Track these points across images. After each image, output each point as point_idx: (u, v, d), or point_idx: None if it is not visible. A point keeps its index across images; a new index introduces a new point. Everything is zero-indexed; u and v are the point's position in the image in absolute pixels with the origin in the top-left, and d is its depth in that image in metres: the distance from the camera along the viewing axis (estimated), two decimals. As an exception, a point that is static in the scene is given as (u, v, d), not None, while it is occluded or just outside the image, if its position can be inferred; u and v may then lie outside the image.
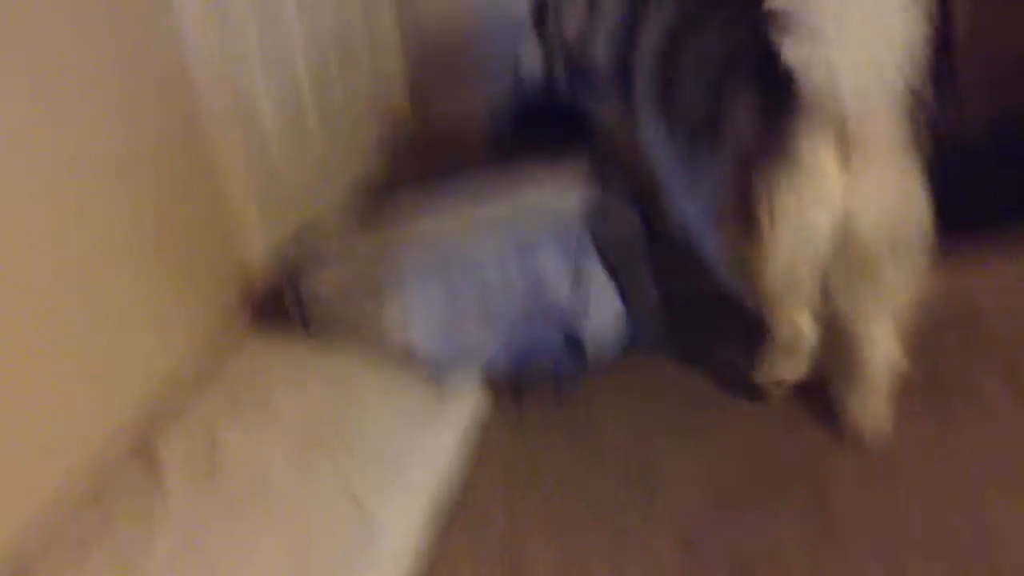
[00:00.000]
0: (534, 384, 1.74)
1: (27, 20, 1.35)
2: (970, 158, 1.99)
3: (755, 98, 1.42)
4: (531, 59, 2.18)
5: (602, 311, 1.75)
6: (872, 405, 1.52)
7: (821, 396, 1.61)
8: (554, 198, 1.84)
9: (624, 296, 1.76)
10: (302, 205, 2.11)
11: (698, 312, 1.86)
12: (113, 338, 1.54)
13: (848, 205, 1.35)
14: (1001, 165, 2.16)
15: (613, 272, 1.74)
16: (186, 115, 1.73)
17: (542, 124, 2.43)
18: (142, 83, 1.60)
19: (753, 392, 1.64)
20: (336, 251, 1.89)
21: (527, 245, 1.73)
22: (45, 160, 1.39)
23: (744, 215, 1.41)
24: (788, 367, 1.60)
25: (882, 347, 1.47)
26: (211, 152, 1.79)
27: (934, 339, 1.58)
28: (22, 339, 1.35)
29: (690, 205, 1.63)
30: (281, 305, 1.84)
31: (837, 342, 1.51)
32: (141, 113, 1.60)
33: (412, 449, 1.57)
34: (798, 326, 1.53)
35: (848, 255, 1.39)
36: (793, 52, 1.29)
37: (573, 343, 1.72)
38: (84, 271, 1.47)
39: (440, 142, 2.48)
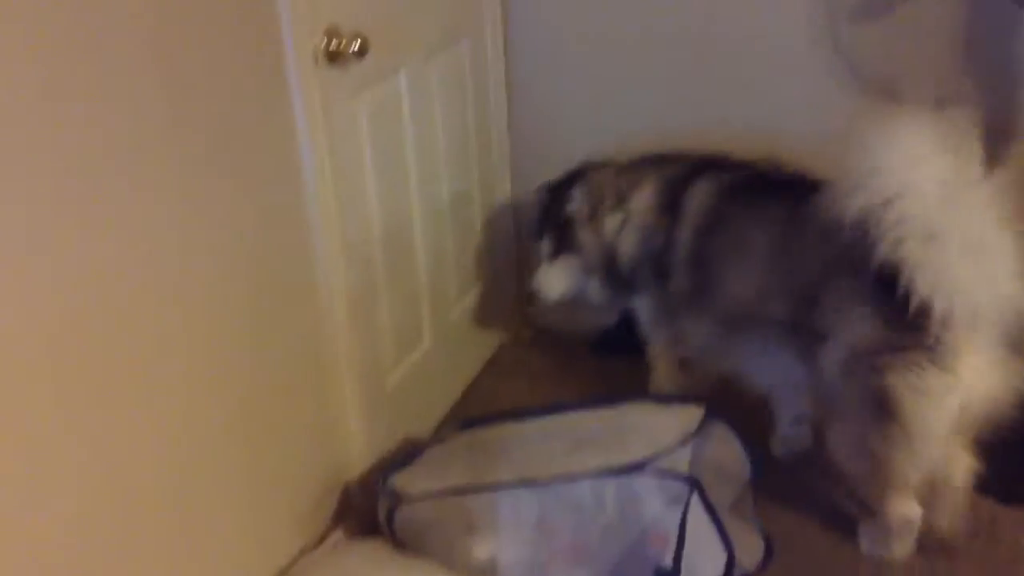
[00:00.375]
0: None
1: (168, 243, 1.45)
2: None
3: (873, 311, 1.65)
4: (552, 279, 2.22)
5: (704, 558, 1.67)
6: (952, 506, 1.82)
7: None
8: (657, 428, 1.81)
9: (726, 539, 1.68)
10: (407, 415, 2.14)
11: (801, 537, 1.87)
12: (201, 537, 1.55)
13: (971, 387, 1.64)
14: None
15: (714, 511, 1.68)
16: (309, 322, 1.80)
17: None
18: (271, 287, 1.68)
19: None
20: (432, 465, 1.89)
21: (625, 475, 1.69)
22: (185, 365, 1.48)
23: (876, 409, 1.67)
24: (898, 547, 1.85)
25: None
26: (326, 356, 1.85)
27: None
28: (112, 531, 1.37)
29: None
30: (374, 515, 1.82)
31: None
32: (267, 319, 1.67)
33: None
34: (911, 509, 1.80)
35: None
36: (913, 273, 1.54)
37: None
38: (176, 469, 1.49)
39: (546, 351, 2.49)
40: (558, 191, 2.17)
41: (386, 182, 1.97)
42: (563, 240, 2.16)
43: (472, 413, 2.29)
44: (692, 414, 1.81)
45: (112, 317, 1.33)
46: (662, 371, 2.15)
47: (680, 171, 2.04)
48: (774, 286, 1.82)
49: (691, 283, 1.98)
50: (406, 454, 1.93)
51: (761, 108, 2.29)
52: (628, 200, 2.08)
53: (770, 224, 1.85)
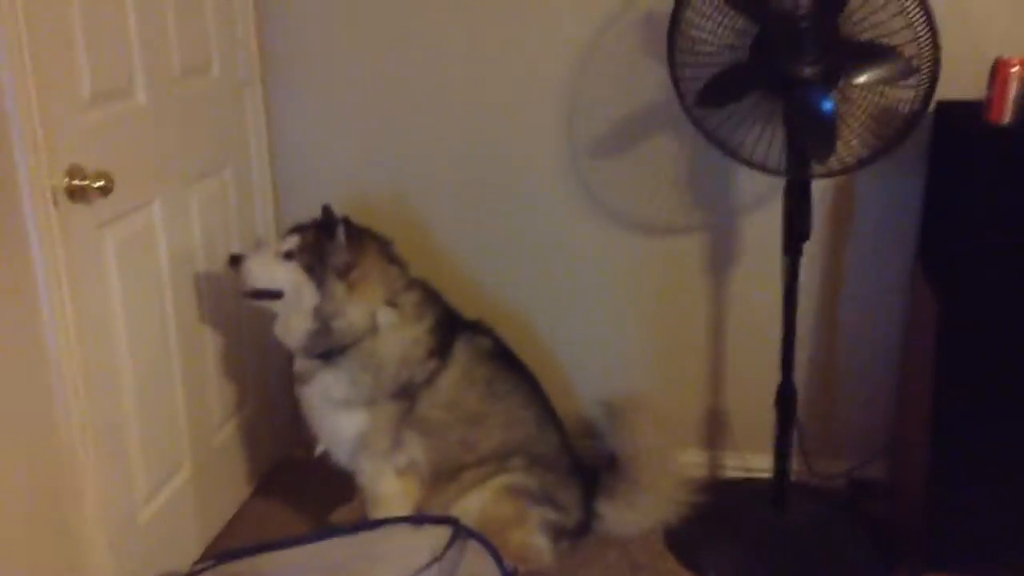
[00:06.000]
0: None
1: None
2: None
3: None
4: (269, 270, 2.10)
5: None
6: None
7: None
8: (407, 551, 1.85)
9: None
10: (166, 547, 2.10)
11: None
12: None
13: None
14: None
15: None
16: (47, 455, 1.74)
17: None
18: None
19: None
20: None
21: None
22: None
23: None
24: None
25: None
26: (66, 491, 1.79)
27: None
28: None
29: None
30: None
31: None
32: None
33: None
34: None
35: None
36: None
37: None
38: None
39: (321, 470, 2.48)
40: (328, 228, 2.05)
41: (138, 311, 1.97)
42: (310, 260, 2.05)
43: (240, 539, 2.26)
44: (441, 534, 1.87)
45: None
46: (392, 487, 2.17)
47: (449, 321, 2.20)
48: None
49: (445, 417, 2.16)
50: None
51: (514, 227, 2.51)
52: (407, 313, 2.13)
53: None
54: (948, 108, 2.07)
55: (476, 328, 2.26)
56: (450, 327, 2.20)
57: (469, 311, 2.28)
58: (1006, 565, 2.01)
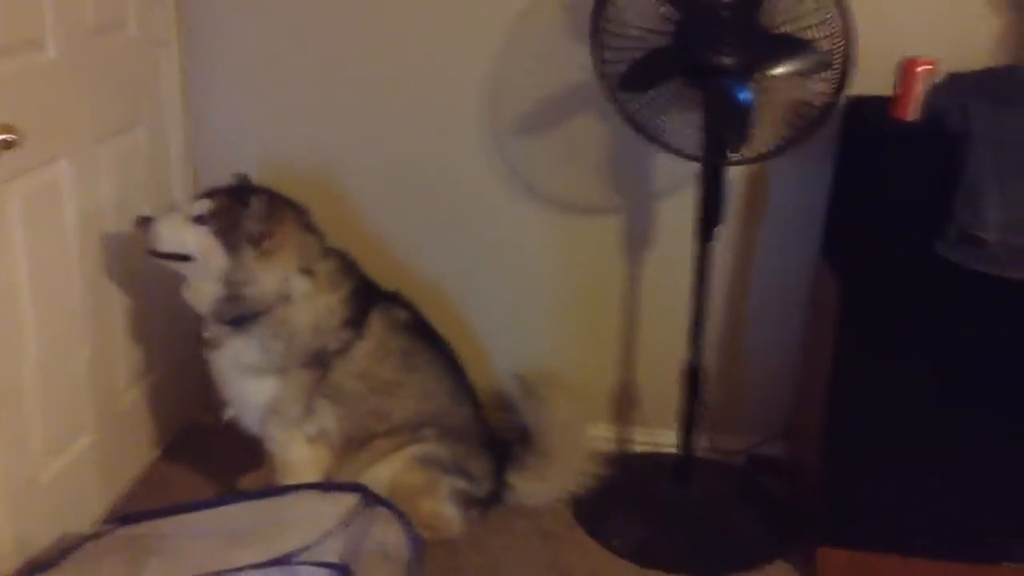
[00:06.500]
0: None
1: None
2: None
3: None
4: (177, 232, 2.06)
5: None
6: None
7: None
8: (315, 517, 1.86)
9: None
10: (67, 509, 2.06)
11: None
12: None
13: None
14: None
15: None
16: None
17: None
18: None
19: None
20: (84, 564, 1.83)
21: (288, 559, 1.73)
22: None
23: None
24: None
25: None
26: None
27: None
28: None
29: None
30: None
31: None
32: None
33: None
34: None
35: None
36: None
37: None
38: None
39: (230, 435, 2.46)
40: (243, 194, 2.04)
41: (43, 269, 1.92)
42: (221, 226, 2.01)
43: (145, 503, 2.24)
44: (349, 501, 1.89)
45: None
46: (302, 455, 2.17)
47: (366, 292, 2.19)
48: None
49: (358, 387, 2.15)
50: (56, 552, 1.86)
51: (436, 202, 2.51)
52: (321, 281, 2.11)
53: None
54: (858, 103, 2.13)
55: (394, 299, 2.26)
56: (367, 297, 2.19)
57: (389, 283, 2.27)
58: (897, 541, 2.11)
